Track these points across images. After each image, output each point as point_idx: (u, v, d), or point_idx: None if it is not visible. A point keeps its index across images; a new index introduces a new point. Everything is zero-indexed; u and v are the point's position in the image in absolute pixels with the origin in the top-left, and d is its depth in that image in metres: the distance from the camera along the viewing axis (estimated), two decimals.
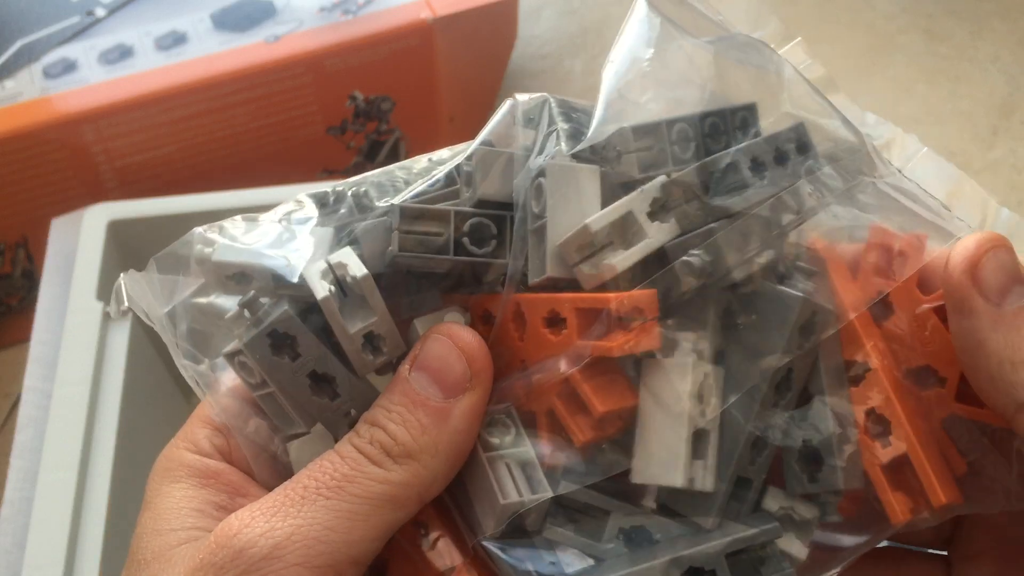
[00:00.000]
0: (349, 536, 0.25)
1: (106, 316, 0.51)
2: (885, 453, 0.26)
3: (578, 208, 0.26)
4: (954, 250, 0.26)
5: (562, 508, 0.27)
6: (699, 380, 0.26)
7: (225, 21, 0.63)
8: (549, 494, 0.26)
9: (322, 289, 0.26)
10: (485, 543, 0.26)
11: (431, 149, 0.31)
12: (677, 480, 0.25)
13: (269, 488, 0.27)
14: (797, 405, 0.27)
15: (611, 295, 0.25)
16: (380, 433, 0.26)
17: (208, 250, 0.28)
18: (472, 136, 0.29)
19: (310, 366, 0.27)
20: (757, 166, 0.27)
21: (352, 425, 0.27)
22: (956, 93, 0.75)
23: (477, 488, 0.27)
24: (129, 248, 0.55)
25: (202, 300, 0.29)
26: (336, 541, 0.25)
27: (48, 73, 0.61)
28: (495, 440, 0.27)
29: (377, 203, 0.28)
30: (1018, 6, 0.80)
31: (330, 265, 0.27)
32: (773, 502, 0.27)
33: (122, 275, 0.30)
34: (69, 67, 0.61)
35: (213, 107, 0.61)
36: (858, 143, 0.29)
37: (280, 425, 0.28)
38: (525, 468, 0.26)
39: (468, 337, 0.27)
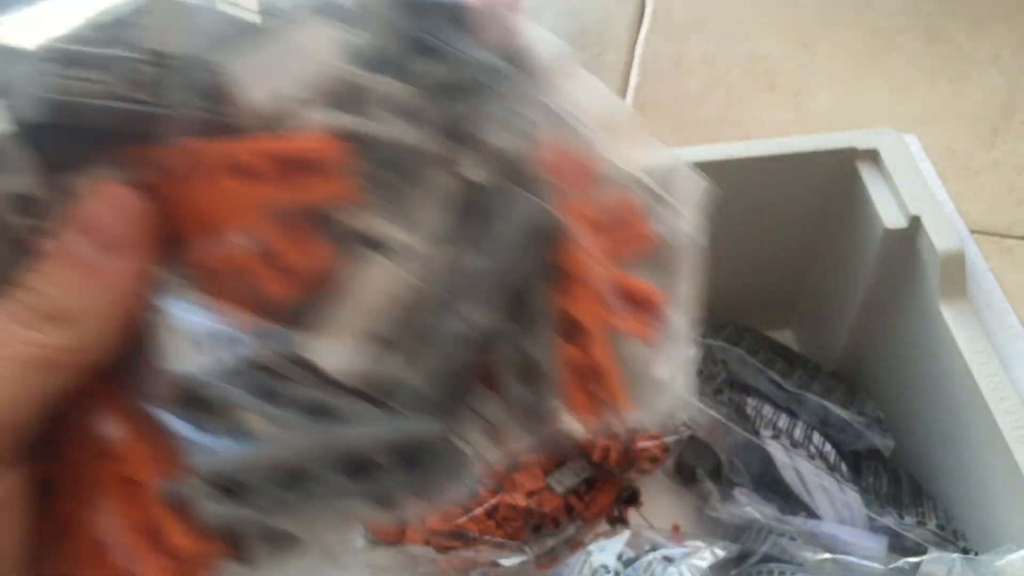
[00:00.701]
0: (3, 397, 0.23)
1: None
2: (577, 358, 0.25)
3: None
4: None
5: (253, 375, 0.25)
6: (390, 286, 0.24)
7: None
8: (223, 357, 0.24)
9: None
10: (154, 408, 0.25)
11: None
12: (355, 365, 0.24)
13: None
14: (511, 313, 0.25)
15: (305, 142, 0.23)
16: (33, 293, 0.24)
17: None
18: None
19: None
20: None
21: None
22: (956, 93, 0.75)
23: (152, 349, 0.25)
24: None
25: None
26: None
27: None
28: (172, 302, 0.24)
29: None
30: (1018, 6, 0.80)
31: None
32: (485, 406, 0.26)
33: None
34: None
35: None
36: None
37: None
38: (200, 329, 0.24)
39: (122, 194, 0.25)
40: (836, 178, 0.52)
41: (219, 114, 0.24)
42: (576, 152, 0.26)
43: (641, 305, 0.26)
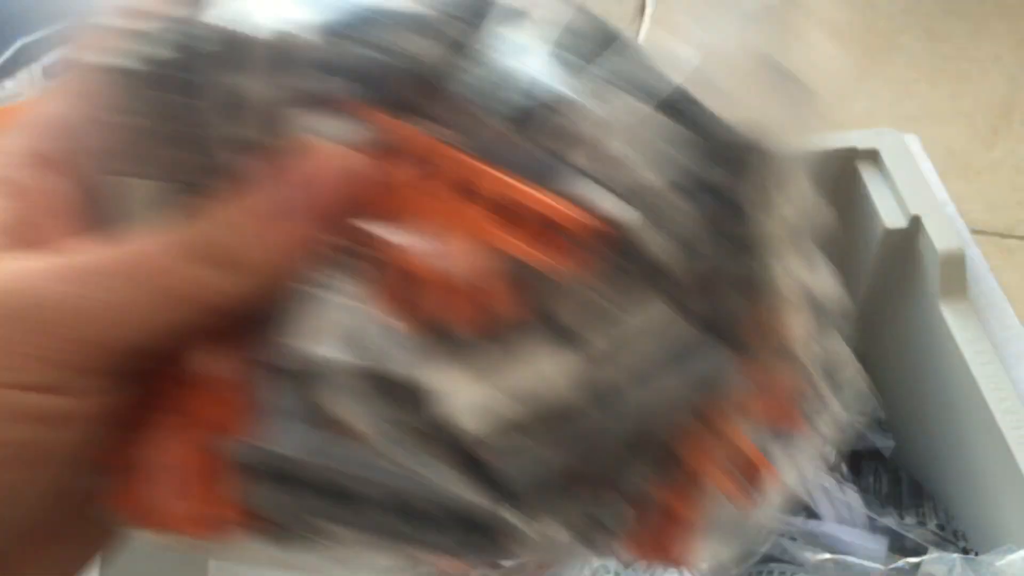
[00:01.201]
0: (143, 328, 0.23)
1: None
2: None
3: None
4: None
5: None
6: None
7: None
8: (353, 361, 0.23)
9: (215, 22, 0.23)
10: (260, 371, 0.24)
11: None
12: None
13: (93, 222, 0.25)
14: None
15: (577, 215, 0.22)
16: (207, 231, 0.24)
17: None
18: None
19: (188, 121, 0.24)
20: None
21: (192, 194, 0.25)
22: (956, 93, 0.75)
23: (294, 317, 0.24)
24: None
25: None
26: (126, 330, 0.23)
27: (48, 73, 0.61)
28: (335, 283, 0.24)
29: None
30: (1018, 6, 0.80)
31: None
32: None
33: None
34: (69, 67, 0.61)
35: None
36: None
37: (116, 157, 0.25)
38: (348, 326, 0.24)
39: (353, 162, 0.24)
40: (836, 178, 0.52)
41: (504, 137, 0.23)
42: (774, 319, 0.25)
43: (749, 473, 0.26)
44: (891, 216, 0.49)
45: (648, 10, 0.81)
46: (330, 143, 0.24)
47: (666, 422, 0.24)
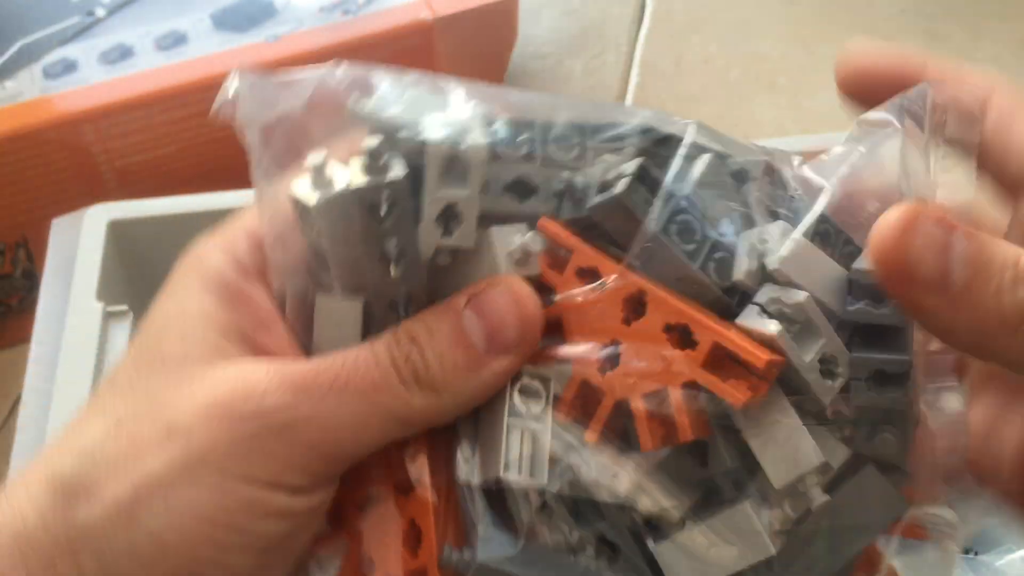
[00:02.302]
0: (358, 439, 0.26)
1: (107, 315, 0.51)
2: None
3: None
4: (872, 241, 0.25)
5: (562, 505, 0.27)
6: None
7: (225, 21, 0.63)
8: (544, 483, 0.26)
9: (436, 137, 0.26)
10: (465, 483, 0.27)
11: None
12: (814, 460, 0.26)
13: (292, 329, 0.28)
14: None
15: (765, 355, 0.25)
16: (417, 355, 0.26)
17: (363, 103, 0.27)
18: None
19: (390, 241, 0.26)
20: None
21: (390, 308, 0.27)
22: None
23: (486, 438, 0.27)
24: (130, 248, 0.55)
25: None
26: (346, 440, 0.26)
27: (48, 73, 0.61)
28: (522, 407, 0.27)
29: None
30: (1018, 6, 0.80)
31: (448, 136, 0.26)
32: None
33: (235, 72, 0.29)
34: (69, 67, 0.61)
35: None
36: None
37: (318, 273, 0.27)
38: (536, 447, 0.26)
39: (531, 303, 0.27)
40: None
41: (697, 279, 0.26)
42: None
43: None
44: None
45: (648, 10, 0.81)
46: (511, 283, 0.26)
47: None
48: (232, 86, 0.28)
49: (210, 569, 0.26)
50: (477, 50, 0.68)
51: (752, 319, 0.25)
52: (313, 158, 0.26)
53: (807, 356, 0.25)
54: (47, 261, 0.54)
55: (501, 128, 0.27)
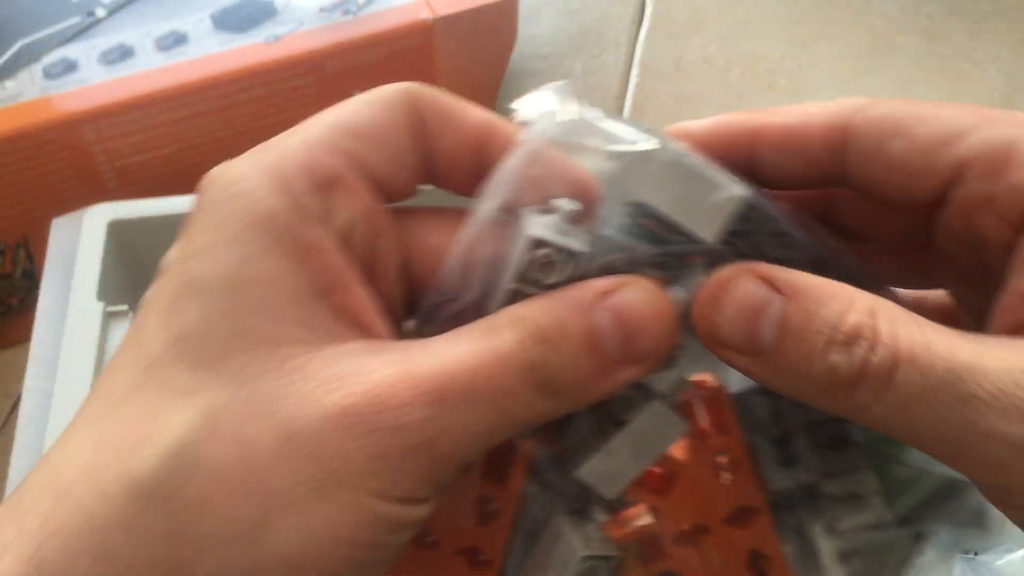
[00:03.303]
0: (485, 447, 0.24)
1: (107, 315, 0.51)
2: None
3: None
4: (693, 312, 0.25)
5: None
6: None
7: (225, 21, 0.63)
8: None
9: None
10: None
11: None
12: None
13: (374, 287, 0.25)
14: None
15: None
16: (548, 362, 0.24)
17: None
18: None
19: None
20: None
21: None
22: (956, 93, 0.75)
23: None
24: (129, 248, 0.55)
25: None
26: (475, 450, 0.24)
27: (48, 73, 0.61)
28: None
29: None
30: (1018, 6, 0.80)
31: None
32: None
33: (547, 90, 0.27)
34: (69, 67, 0.61)
35: (213, 107, 0.61)
36: None
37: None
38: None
39: (670, 309, 0.25)
40: None
41: None
42: None
43: None
44: None
45: (648, 10, 0.81)
46: (649, 287, 0.24)
47: None
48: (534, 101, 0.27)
49: None
50: (477, 50, 0.68)
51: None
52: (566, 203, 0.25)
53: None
54: (47, 261, 0.54)
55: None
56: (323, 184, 0.25)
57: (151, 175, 0.62)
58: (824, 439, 0.28)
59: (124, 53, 0.62)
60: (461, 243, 0.26)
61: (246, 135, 0.63)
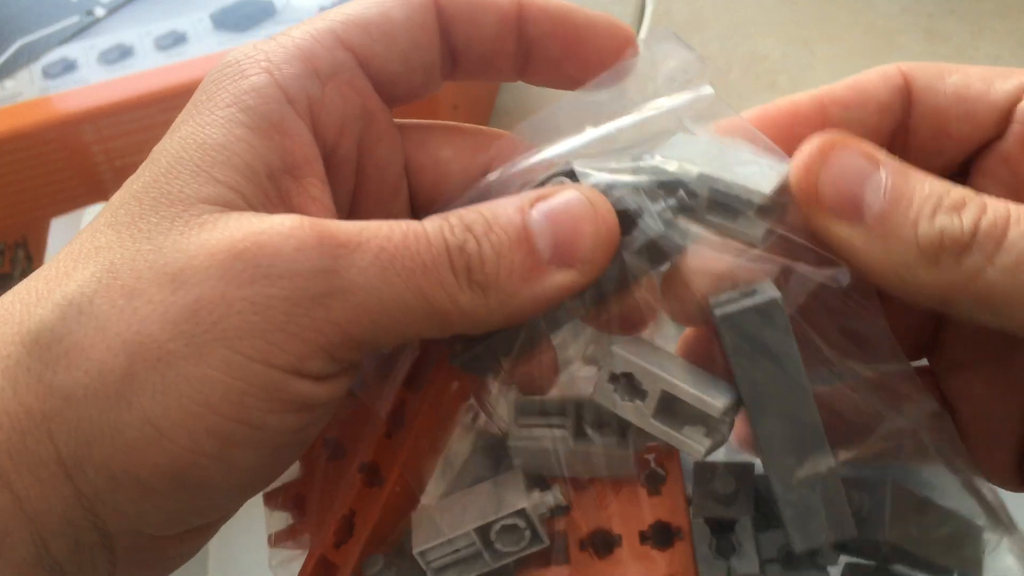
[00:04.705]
0: (393, 326, 0.22)
1: None
2: None
3: None
4: (792, 167, 0.24)
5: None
6: None
7: (225, 21, 0.63)
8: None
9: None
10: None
11: None
12: None
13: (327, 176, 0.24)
14: None
15: None
16: (473, 246, 0.22)
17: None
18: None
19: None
20: None
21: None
22: None
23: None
24: None
25: None
26: (381, 326, 0.22)
27: (48, 73, 0.61)
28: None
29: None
30: (1018, 6, 0.80)
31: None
32: None
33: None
34: (69, 67, 0.61)
35: None
36: None
37: None
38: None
39: (610, 218, 0.23)
40: None
41: None
42: None
43: None
44: None
45: (648, 10, 0.81)
46: (590, 193, 0.23)
47: None
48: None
49: (210, 465, 0.21)
50: None
51: None
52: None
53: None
54: (46, 261, 0.54)
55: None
56: (318, 74, 0.24)
57: None
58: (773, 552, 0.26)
59: (123, 53, 0.62)
60: (505, 169, 0.25)
61: None
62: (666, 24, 0.80)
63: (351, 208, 0.27)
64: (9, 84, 0.60)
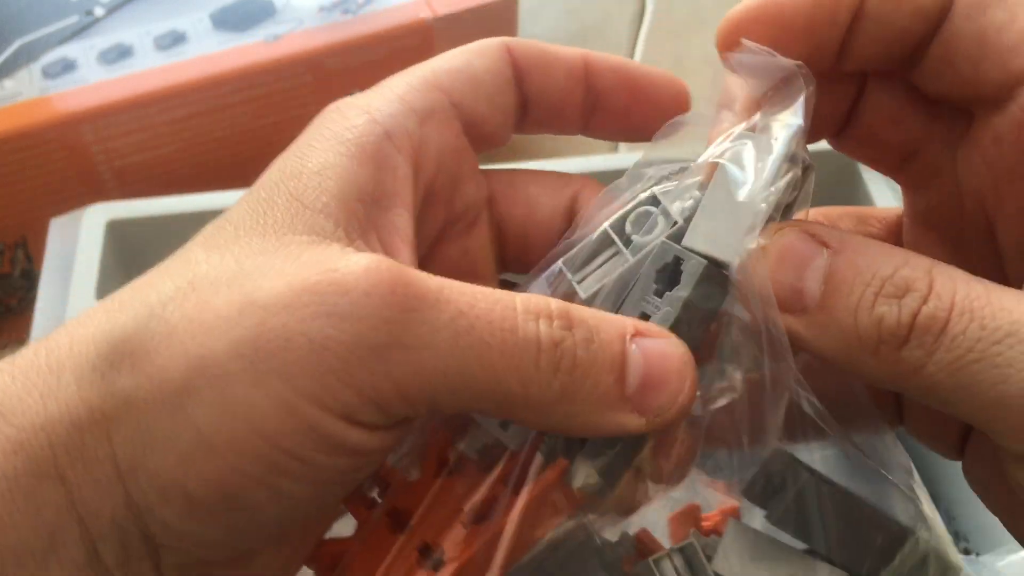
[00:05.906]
0: (453, 395, 0.21)
1: None
2: None
3: None
4: (737, 271, 0.23)
5: None
6: None
7: (225, 21, 0.63)
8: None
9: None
10: None
11: None
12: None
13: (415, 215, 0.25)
14: None
15: None
16: (571, 345, 0.22)
17: None
18: None
19: None
20: None
21: None
22: None
23: None
24: (129, 248, 0.55)
25: None
26: (441, 391, 0.21)
27: (47, 73, 0.61)
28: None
29: None
30: None
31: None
32: None
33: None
34: (68, 67, 0.61)
35: (213, 107, 0.61)
36: None
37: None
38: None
39: (692, 379, 0.23)
40: (836, 178, 0.52)
41: None
42: None
43: None
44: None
45: (648, 10, 0.81)
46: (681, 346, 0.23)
47: None
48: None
49: (256, 488, 0.21)
50: None
51: None
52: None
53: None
54: (46, 261, 0.54)
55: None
56: (415, 112, 0.26)
57: (150, 175, 0.62)
58: None
59: (123, 52, 0.62)
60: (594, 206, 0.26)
61: (245, 134, 0.63)
62: (666, 24, 0.80)
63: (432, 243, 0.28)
64: (8, 84, 0.60)
